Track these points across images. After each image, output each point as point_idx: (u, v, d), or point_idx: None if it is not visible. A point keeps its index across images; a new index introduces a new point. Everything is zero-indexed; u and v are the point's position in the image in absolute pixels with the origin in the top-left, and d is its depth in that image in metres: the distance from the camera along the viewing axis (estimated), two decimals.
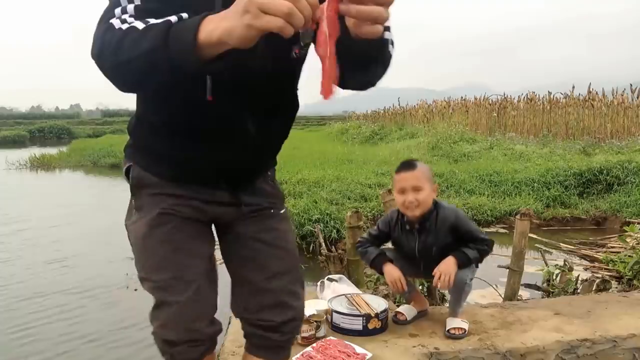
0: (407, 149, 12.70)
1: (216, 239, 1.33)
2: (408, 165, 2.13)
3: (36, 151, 18.41)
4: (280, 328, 1.29)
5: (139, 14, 0.92)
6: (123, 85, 0.97)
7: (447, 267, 2.08)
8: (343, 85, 0.98)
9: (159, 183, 1.20)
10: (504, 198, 7.29)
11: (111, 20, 0.92)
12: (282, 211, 1.35)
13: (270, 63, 1.06)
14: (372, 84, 1.06)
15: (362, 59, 0.97)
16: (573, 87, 15.16)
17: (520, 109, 16.02)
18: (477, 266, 2.20)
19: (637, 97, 13.76)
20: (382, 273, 2.23)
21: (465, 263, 2.11)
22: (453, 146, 12.22)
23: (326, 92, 0.79)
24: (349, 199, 6.80)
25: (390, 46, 1.02)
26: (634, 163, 7.62)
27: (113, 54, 0.90)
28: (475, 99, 18.35)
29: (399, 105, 23.41)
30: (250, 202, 1.27)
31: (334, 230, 5.60)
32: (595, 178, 7.58)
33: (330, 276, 2.69)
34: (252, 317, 1.31)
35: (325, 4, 0.77)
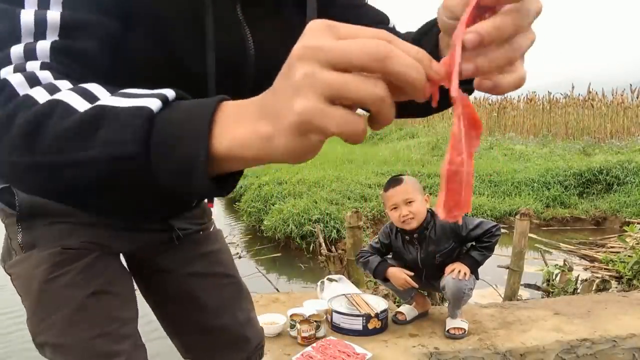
0: (407, 149, 12.70)
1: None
2: (396, 181, 2.14)
3: None
4: None
5: (58, 56, 0.54)
6: (37, 191, 0.54)
7: (459, 265, 2.10)
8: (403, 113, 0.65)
9: (63, 210, 0.85)
10: (504, 198, 7.29)
11: (4, 75, 0.51)
12: (211, 229, 1.11)
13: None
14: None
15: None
16: (573, 87, 15.17)
17: (520, 109, 16.03)
18: (480, 267, 2.20)
19: (637, 97, 13.77)
20: (385, 280, 2.22)
21: (474, 266, 2.12)
22: None
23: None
24: (349, 199, 6.80)
25: None
26: (634, 163, 7.62)
27: (25, 149, 0.47)
28: (475, 99, 18.34)
29: None
30: (181, 226, 1.02)
31: (334, 230, 5.61)
32: (595, 178, 7.59)
33: (330, 276, 2.69)
34: None
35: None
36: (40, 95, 0.48)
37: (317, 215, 5.79)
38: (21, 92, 0.49)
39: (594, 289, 3.28)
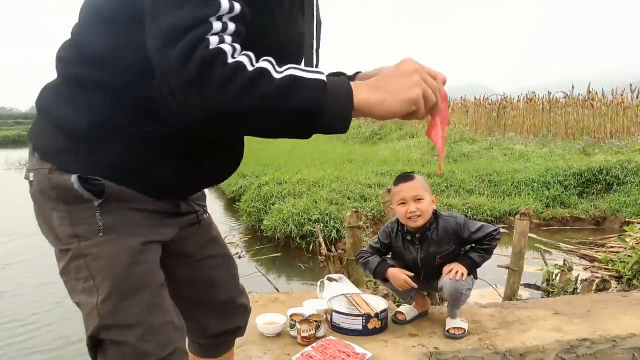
0: (407, 149, 12.69)
1: None
2: (407, 177, 2.13)
3: None
4: (244, 328, 1.30)
5: (234, 34, 0.80)
6: (224, 127, 0.83)
7: (457, 265, 2.10)
8: None
9: (133, 196, 0.96)
10: (504, 198, 7.29)
11: (210, 37, 0.76)
12: (208, 213, 1.24)
13: None
14: None
15: None
16: (573, 87, 15.18)
17: (520, 109, 16.03)
18: (478, 268, 2.20)
19: (637, 97, 13.77)
20: (385, 281, 2.21)
21: (472, 267, 2.12)
22: (453, 146, 12.21)
23: (440, 170, 1.19)
24: (349, 199, 6.80)
25: None
26: (634, 163, 7.63)
27: (235, 97, 0.75)
28: (475, 99, 18.36)
29: None
30: (198, 209, 1.15)
31: (334, 230, 5.61)
32: (595, 178, 7.59)
33: (330, 276, 2.69)
34: (214, 334, 1.25)
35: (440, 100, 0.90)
36: (246, 63, 0.78)
37: (317, 215, 5.80)
38: (231, 59, 0.77)
39: (594, 289, 3.28)
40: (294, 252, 5.62)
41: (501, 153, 10.77)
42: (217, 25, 0.78)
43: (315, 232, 5.20)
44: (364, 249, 2.32)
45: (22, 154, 17.57)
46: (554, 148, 10.89)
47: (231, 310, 1.25)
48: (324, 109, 0.79)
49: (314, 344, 1.99)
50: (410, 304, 2.33)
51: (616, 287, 3.88)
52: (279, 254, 5.52)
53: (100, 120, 0.92)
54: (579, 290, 3.34)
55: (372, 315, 2.14)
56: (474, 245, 2.14)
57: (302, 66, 0.84)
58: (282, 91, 0.78)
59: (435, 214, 2.14)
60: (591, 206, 6.98)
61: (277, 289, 3.49)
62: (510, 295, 3.05)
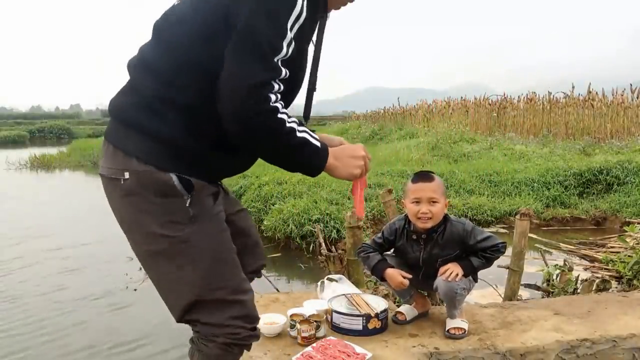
0: (407, 149, 12.69)
1: None
2: (426, 176, 2.12)
3: (36, 151, 18.40)
4: (264, 266, 1.67)
5: (279, 93, 1.19)
6: (251, 147, 1.27)
7: (454, 266, 2.10)
8: None
9: (204, 185, 1.32)
10: (504, 198, 7.29)
11: (271, 95, 1.16)
12: None
13: None
14: None
15: None
16: (573, 87, 15.15)
17: (520, 109, 16.02)
18: (477, 273, 2.20)
19: (637, 97, 13.76)
20: (382, 279, 2.22)
21: (469, 270, 2.12)
22: (453, 146, 12.21)
23: (359, 213, 1.52)
24: (349, 199, 6.79)
25: None
26: (634, 163, 7.62)
27: (271, 138, 1.20)
28: (475, 99, 18.35)
29: (399, 105, 23.41)
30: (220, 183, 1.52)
31: (334, 230, 5.60)
32: (595, 178, 7.58)
33: (330, 276, 2.69)
34: (249, 271, 1.54)
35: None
36: (286, 119, 1.19)
37: (317, 215, 5.79)
38: (279, 115, 1.18)
39: (594, 289, 3.28)
40: (294, 252, 5.61)
41: (501, 153, 10.76)
42: (276, 87, 1.17)
43: (315, 232, 5.19)
44: (367, 243, 2.33)
45: (22, 154, 17.60)
46: (554, 148, 10.88)
47: (259, 252, 1.63)
48: (312, 163, 1.28)
49: (314, 344, 1.99)
50: (410, 304, 2.32)
51: (616, 287, 3.88)
52: (279, 254, 5.52)
53: (186, 133, 1.24)
54: (579, 291, 3.33)
55: (372, 315, 2.14)
56: (477, 253, 2.14)
57: (308, 129, 1.27)
58: (297, 146, 1.23)
59: (445, 217, 2.14)
60: (591, 206, 6.97)
61: (277, 289, 3.48)
62: (510, 295, 3.05)
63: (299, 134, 1.21)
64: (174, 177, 1.24)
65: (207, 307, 1.31)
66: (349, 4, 1.40)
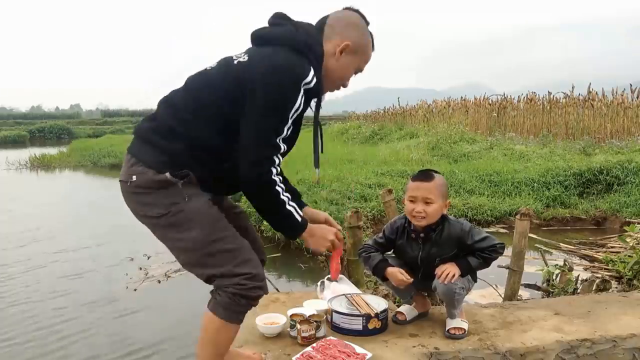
0: (407, 149, 12.69)
1: None
2: (425, 175, 2.11)
3: (36, 151, 18.40)
4: (265, 260, 1.91)
5: (278, 165, 1.62)
6: (249, 199, 1.64)
7: (451, 266, 2.10)
8: None
9: (200, 188, 1.66)
10: (504, 198, 7.29)
11: (273, 168, 1.58)
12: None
13: None
14: None
15: None
16: (573, 87, 15.16)
17: (520, 109, 16.02)
18: (477, 272, 2.20)
19: (637, 97, 13.75)
20: (384, 279, 2.22)
21: (466, 270, 2.12)
22: (453, 146, 12.21)
23: (333, 277, 2.00)
24: (349, 199, 6.80)
25: None
26: (634, 163, 7.62)
27: (265, 201, 1.63)
28: (475, 99, 18.35)
29: (399, 105, 23.42)
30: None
31: None
32: (595, 178, 7.58)
33: (330, 276, 2.69)
34: None
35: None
36: (280, 190, 1.62)
37: None
38: (277, 187, 1.61)
39: (594, 289, 3.28)
40: (294, 252, 5.61)
41: (501, 153, 10.77)
42: (277, 160, 1.59)
43: None
44: (368, 243, 2.33)
45: (22, 154, 17.59)
46: (554, 148, 10.88)
47: (258, 246, 1.84)
48: (290, 232, 1.72)
49: (314, 344, 1.98)
50: (410, 304, 2.32)
51: (616, 287, 3.88)
52: (279, 254, 5.52)
53: (189, 156, 1.60)
54: (579, 291, 3.34)
55: (372, 315, 2.14)
56: (475, 253, 2.14)
57: (297, 206, 1.69)
58: (282, 215, 1.65)
59: (443, 217, 2.14)
60: (591, 206, 6.97)
61: (277, 289, 3.48)
62: (511, 295, 3.05)
63: (287, 207, 1.63)
64: (168, 175, 1.58)
65: (215, 260, 1.60)
66: (342, 88, 1.78)
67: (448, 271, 2.08)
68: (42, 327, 3.80)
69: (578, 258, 5.14)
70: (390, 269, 2.17)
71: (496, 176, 8.07)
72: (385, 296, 3.06)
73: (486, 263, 2.14)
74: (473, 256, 2.13)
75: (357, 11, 1.73)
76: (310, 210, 1.89)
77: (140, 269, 5.08)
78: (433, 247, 2.14)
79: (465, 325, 2.16)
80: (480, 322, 2.28)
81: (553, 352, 2.05)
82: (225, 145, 1.61)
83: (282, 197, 1.61)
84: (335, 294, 2.39)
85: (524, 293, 3.60)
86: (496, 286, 3.57)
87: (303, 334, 2.03)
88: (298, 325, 2.05)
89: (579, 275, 3.60)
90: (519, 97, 16.62)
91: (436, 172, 2.17)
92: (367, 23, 1.74)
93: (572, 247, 5.49)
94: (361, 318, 2.14)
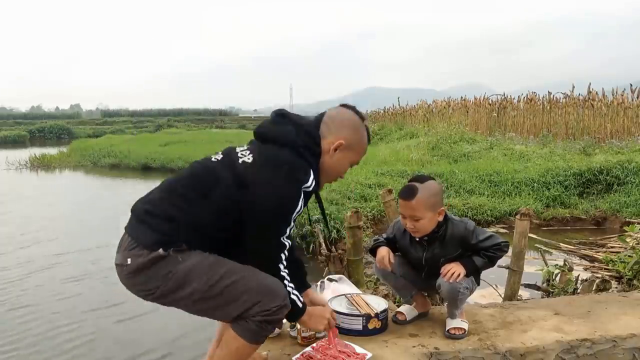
0: (407, 149, 12.69)
1: None
2: (408, 193, 2.05)
3: (36, 151, 18.40)
4: None
5: (284, 255, 1.70)
6: (260, 262, 1.67)
7: (456, 265, 2.10)
8: None
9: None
10: (504, 198, 7.29)
11: (280, 264, 1.68)
12: None
13: None
14: None
15: None
16: (573, 87, 15.15)
17: (520, 109, 16.02)
18: (480, 272, 2.20)
19: (637, 97, 13.75)
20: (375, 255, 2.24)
21: (471, 270, 2.12)
22: (453, 146, 12.21)
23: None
24: (349, 199, 6.80)
25: None
26: (634, 163, 7.62)
27: (276, 273, 1.67)
28: (475, 99, 18.34)
29: (399, 105, 23.42)
30: None
31: (334, 230, 5.60)
32: (595, 178, 7.58)
33: (330, 276, 2.69)
34: None
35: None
36: (285, 276, 1.70)
37: (317, 215, 5.79)
38: (282, 272, 1.69)
39: (594, 289, 3.28)
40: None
41: (501, 153, 10.76)
42: (283, 257, 1.68)
43: (315, 232, 5.20)
44: (381, 235, 2.34)
45: (22, 154, 17.59)
46: (554, 148, 10.88)
47: None
48: (292, 317, 1.74)
49: (314, 344, 1.99)
50: (410, 304, 2.32)
51: (616, 287, 3.88)
52: None
53: (182, 234, 1.63)
54: (579, 290, 3.34)
55: (372, 315, 2.14)
56: (480, 252, 2.14)
57: (300, 294, 1.75)
58: (281, 294, 1.65)
59: (446, 217, 2.13)
60: (591, 206, 6.97)
61: None
62: (510, 295, 3.05)
63: (290, 297, 1.68)
64: (161, 251, 1.58)
65: (227, 297, 1.61)
66: (339, 178, 1.87)
67: (453, 270, 2.08)
68: (43, 333, 3.78)
69: (578, 258, 5.13)
70: (381, 249, 2.19)
71: (496, 176, 8.07)
72: (385, 296, 3.06)
73: (491, 262, 2.14)
74: (478, 255, 2.13)
75: (352, 108, 1.83)
76: (311, 293, 1.96)
77: None
78: (437, 248, 2.14)
79: (465, 326, 2.16)
80: (480, 322, 2.28)
81: (553, 352, 2.05)
82: (225, 234, 1.67)
83: (285, 282, 1.67)
84: (335, 294, 2.39)
85: (524, 293, 3.60)
86: (496, 286, 3.57)
87: (303, 334, 2.04)
88: (298, 325, 2.05)
89: (579, 275, 3.60)
90: (519, 97, 16.62)
91: (425, 179, 2.09)
92: (363, 119, 1.83)
93: (572, 247, 5.49)
94: (361, 318, 2.14)
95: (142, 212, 1.65)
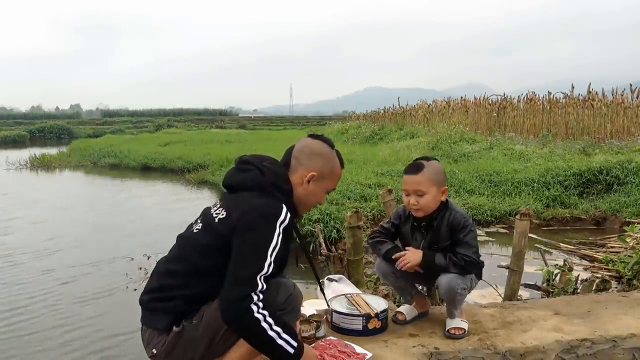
0: (407, 149, 12.69)
1: None
2: (414, 168, 2.10)
3: (36, 151, 18.38)
4: None
5: (262, 295, 1.61)
6: (236, 331, 1.62)
7: (412, 254, 2.09)
8: None
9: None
10: (504, 198, 7.29)
11: (252, 305, 1.57)
12: None
13: None
14: None
15: None
16: (573, 87, 15.14)
17: (520, 109, 16.01)
18: (437, 270, 2.14)
19: (637, 97, 13.74)
20: (391, 262, 2.17)
21: (426, 264, 2.09)
22: (453, 146, 12.21)
23: None
24: (349, 199, 6.80)
25: None
26: (634, 163, 7.62)
27: (253, 338, 1.60)
28: (475, 99, 18.33)
29: (399, 105, 23.40)
30: None
31: (334, 230, 5.60)
32: (595, 178, 7.58)
33: (330, 276, 2.69)
34: None
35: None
36: (266, 327, 1.58)
37: (317, 215, 5.79)
38: (259, 315, 1.58)
39: (594, 289, 3.28)
40: (294, 252, 5.61)
41: (501, 153, 10.76)
42: (255, 298, 1.58)
43: (315, 232, 5.20)
44: (377, 229, 2.33)
45: (22, 154, 17.57)
46: (554, 148, 10.87)
47: None
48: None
49: (314, 344, 1.99)
50: (410, 304, 2.33)
51: (616, 287, 3.88)
52: None
53: (195, 306, 1.72)
54: (579, 290, 3.34)
55: (372, 315, 2.14)
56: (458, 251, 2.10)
57: (293, 335, 1.64)
58: (275, 349, 1.60)
59: (447, 205, 2.13)
60: (591, 206, 6.97)
61: None
62: (510, 295, 3.05)
63: (278, 342, 1.59)
64: (174, 328, 1.69)
65: (228, 343, 1.71)
66: (318, 205, 1.92)
67: (407, 260, 2.07)
68: (40, 330, 3.77)
69: (578, 258, 5.13)
70: (399, 253, 2.15)
71: (496, 176, 8.06)
72: (385, 296, 3.06)
73: (454, 266, 2.07)
74: (447, 254, 2.09)
75: (319, 137, 1.87)
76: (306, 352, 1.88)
77: (140, 268, 5.07)
78: (434, 236, 2.14)
79: (465, 325, 2.16)
80: (480, 322, 2.28)
81: (553, 352, 2.05)
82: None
83: (270, 333, 1.58)
84: (335, 294, 2.39)
85: (523, 293, 3.60)
86: (496, 286, 3.57)
87: (303, 334, 2.04)
88: (298, 325, 2.05)
89: (578, 275, 3.60)
90: (518, 97, 16.61)
91: (430, 159, 2.14)
92: (332, 146, 1.86)
93: (572, 247, 5.49)
94: (361, 318, 2.14)
95: (149, 302, 1.76)
